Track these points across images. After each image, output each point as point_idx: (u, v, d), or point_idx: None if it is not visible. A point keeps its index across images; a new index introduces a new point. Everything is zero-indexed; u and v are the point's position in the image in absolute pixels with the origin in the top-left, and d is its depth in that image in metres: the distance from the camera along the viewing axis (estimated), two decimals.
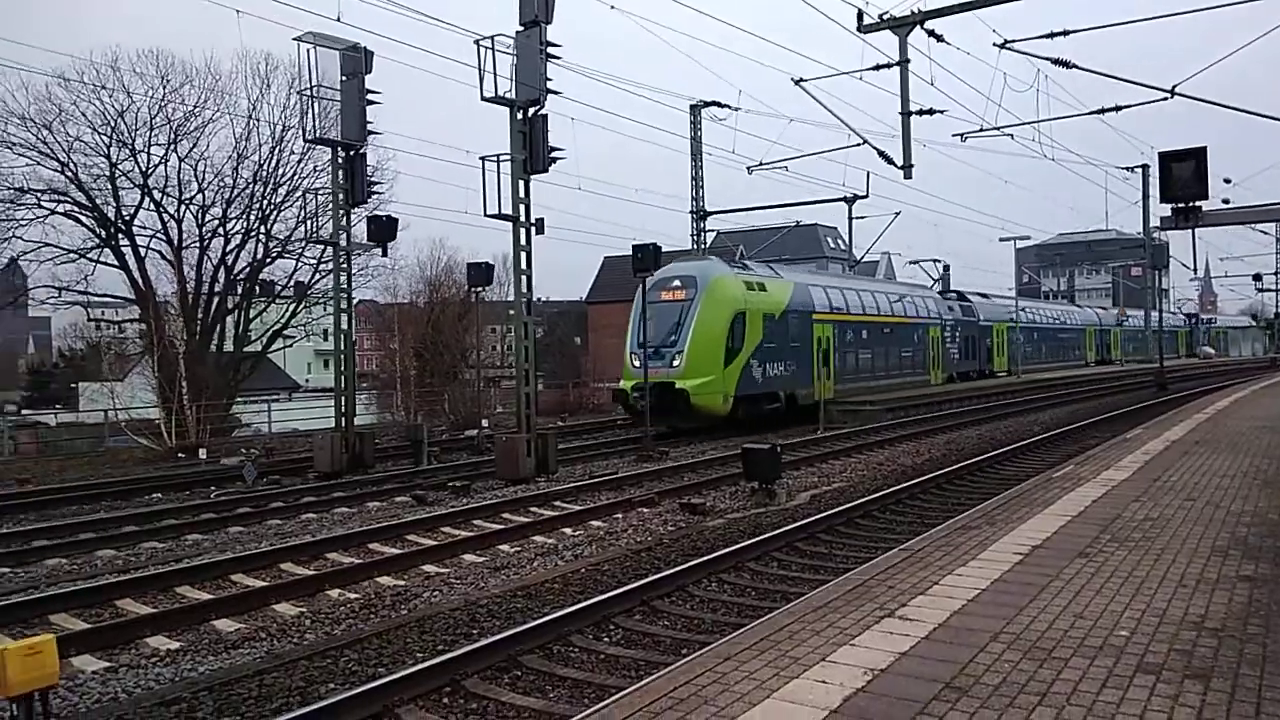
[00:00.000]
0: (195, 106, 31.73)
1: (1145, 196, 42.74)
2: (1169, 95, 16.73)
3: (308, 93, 19.56)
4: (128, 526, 13.54)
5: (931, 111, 20.39)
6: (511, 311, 21.96)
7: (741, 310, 24.92)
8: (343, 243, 20.57)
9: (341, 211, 20.28)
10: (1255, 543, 7.48)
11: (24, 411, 57.34)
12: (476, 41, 17.17)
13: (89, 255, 31.73)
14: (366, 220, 21.12)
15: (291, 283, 36.10)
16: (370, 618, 8.61)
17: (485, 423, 26.05)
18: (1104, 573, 6.59)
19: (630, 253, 21.57)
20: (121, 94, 30.69)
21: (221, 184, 32.96)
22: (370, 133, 20.03)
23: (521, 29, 17.44)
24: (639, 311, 23.57)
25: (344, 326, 20.33)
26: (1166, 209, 10.85)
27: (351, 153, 20.14)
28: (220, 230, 33.20)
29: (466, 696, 6.45)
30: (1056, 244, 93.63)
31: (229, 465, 20.58)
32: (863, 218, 47.95)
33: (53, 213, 30.95)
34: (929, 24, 18.02)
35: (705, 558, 9.80)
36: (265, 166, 33.21)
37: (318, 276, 34.66)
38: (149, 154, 31.74)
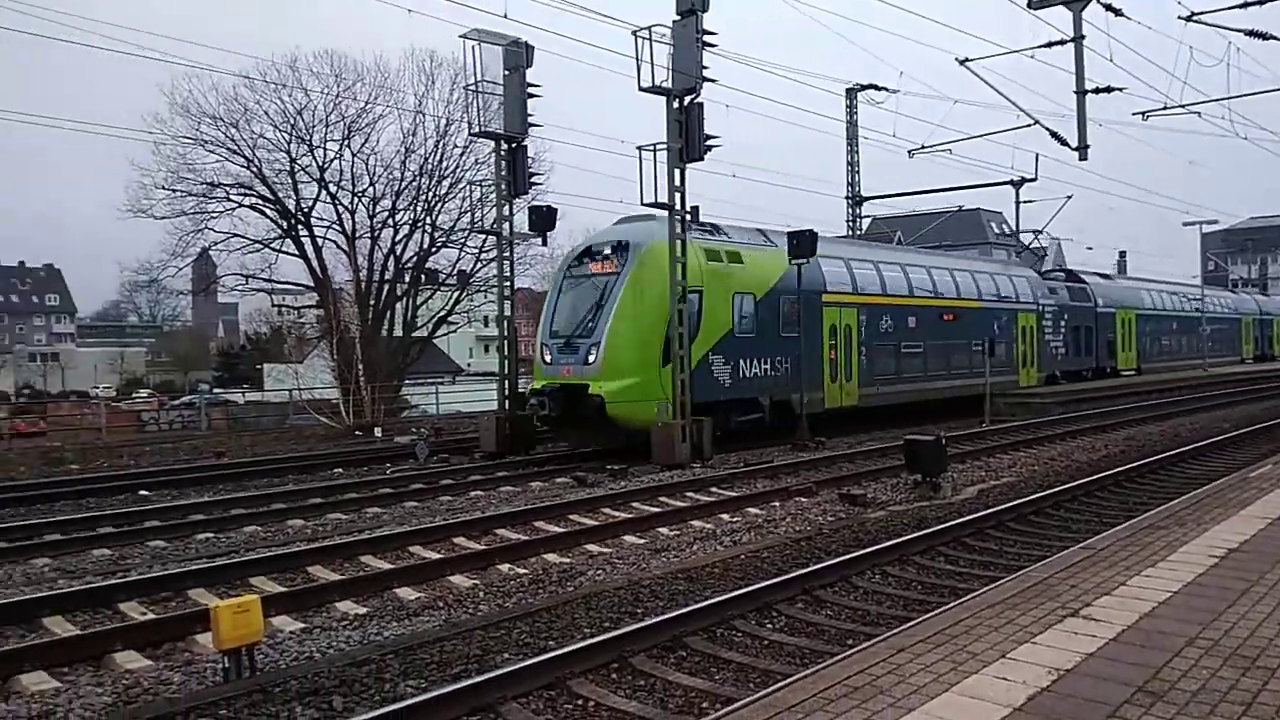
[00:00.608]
0: (366, 103, 33.57)
1: None
2: None
3: (473, 88, 20.35)
4: (313, 499, 14.52)
5: (1109, 89, 19.32)
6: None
7: (695, 287, 18.71)
8: (505, 232, 21.31)
9: (503, 202, 21.01)
10: None
11: (215, 390, 62.54)
12: (634, 32, 17.41)
13: (272, 245, 34.17)
14: (527, 210, 21.76)
15: (455, 271, 37.70)
16: (539, 592, 8.95)
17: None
18: None
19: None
20: (300, 93, 32.79)
21: (390, 177, 34.75)
22: (530, 125, 20.64)
23: (678, 18, 17.60)
24: (555, 287, 19.69)
25: (506, 313, 21.09)
26: None
27: (513, 145, 20.81)
28: (390, 221, 34.99)
29: (634, 673, 6.61)
30: (1247, 228, 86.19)
31: (401, 444, 21.75)
32: (1030, 202, 44.79)
33: (240, 205, 33.44)
34: None
35: (868, 549, 9.65)
36: (430, 160, 34.80)
37: (479, 265, 36.04)
38: (325, 149, 33.86)
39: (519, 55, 20.18)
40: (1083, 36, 17.65)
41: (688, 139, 17.86)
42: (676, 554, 10.48)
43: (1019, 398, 25.69)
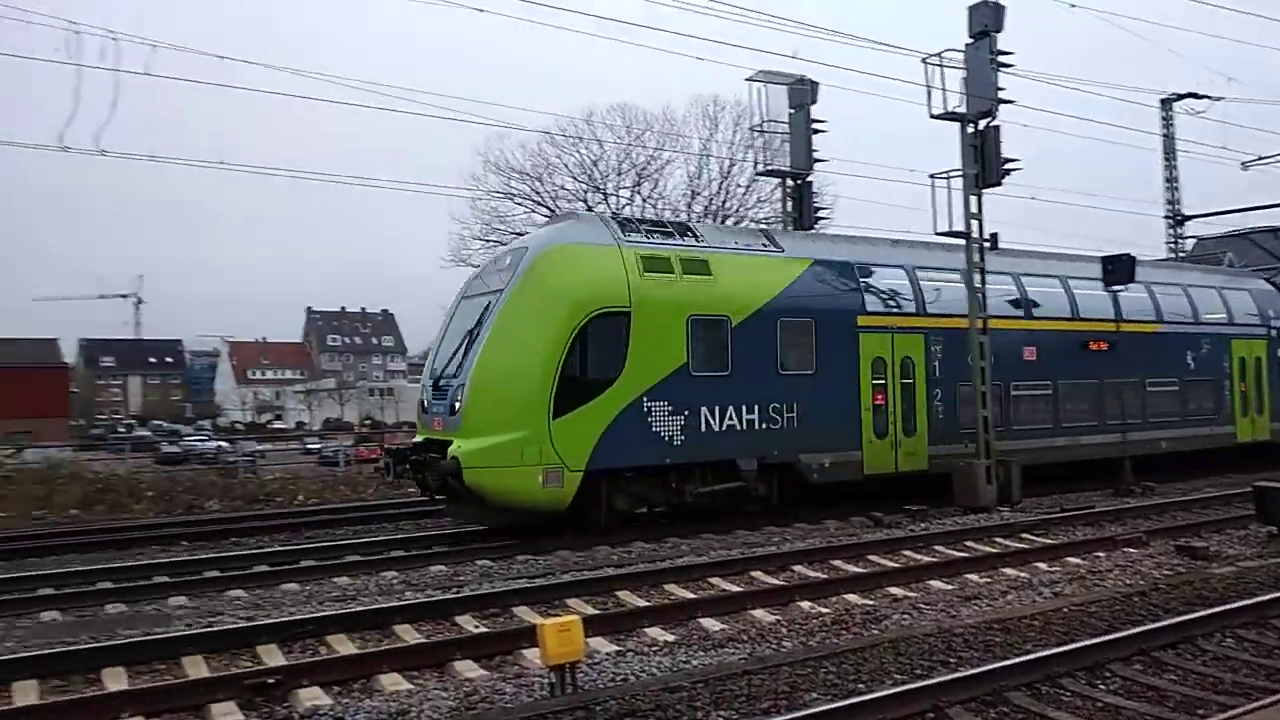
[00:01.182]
0: (654, 150, 35.22)
1: None
2: None
3: (758, 128, 20.72)
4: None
5: None
6: None
7: (617, 306, 14.11)
8: None
9: None
10: None
11: None
12: (924, 59, 17.04)
13: None
14: None
15: None
16: (842, 633, 8.80)
17: None
18: None
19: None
20: (595, 144, 35.01)
21: (676, 217, 36.11)
22: (816, 160, 20.65)
23: (971, 41, 17.03)
24: (448, 314, 15.84)
25: None
26: None
27: (799, 181, 20.91)
28: None
29: None
30: None
31: None
32: None
33: None
34: None
35: (1216, 609, 8.60)
36: (715, 200, 35.79)
37: None
38: (618, 196, 35.87)
39: (804, 93, 20.29)
40: None
41: (985, 164, 17.15)
42: (989, 602, 9.90)
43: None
